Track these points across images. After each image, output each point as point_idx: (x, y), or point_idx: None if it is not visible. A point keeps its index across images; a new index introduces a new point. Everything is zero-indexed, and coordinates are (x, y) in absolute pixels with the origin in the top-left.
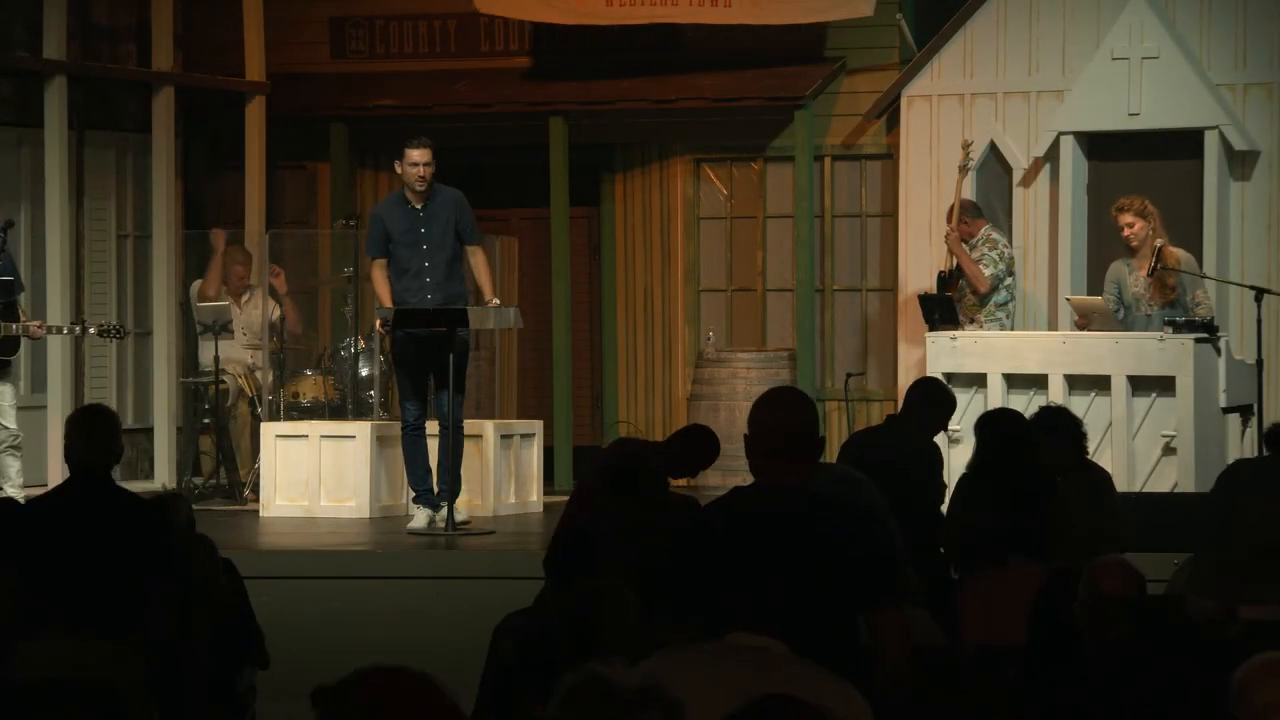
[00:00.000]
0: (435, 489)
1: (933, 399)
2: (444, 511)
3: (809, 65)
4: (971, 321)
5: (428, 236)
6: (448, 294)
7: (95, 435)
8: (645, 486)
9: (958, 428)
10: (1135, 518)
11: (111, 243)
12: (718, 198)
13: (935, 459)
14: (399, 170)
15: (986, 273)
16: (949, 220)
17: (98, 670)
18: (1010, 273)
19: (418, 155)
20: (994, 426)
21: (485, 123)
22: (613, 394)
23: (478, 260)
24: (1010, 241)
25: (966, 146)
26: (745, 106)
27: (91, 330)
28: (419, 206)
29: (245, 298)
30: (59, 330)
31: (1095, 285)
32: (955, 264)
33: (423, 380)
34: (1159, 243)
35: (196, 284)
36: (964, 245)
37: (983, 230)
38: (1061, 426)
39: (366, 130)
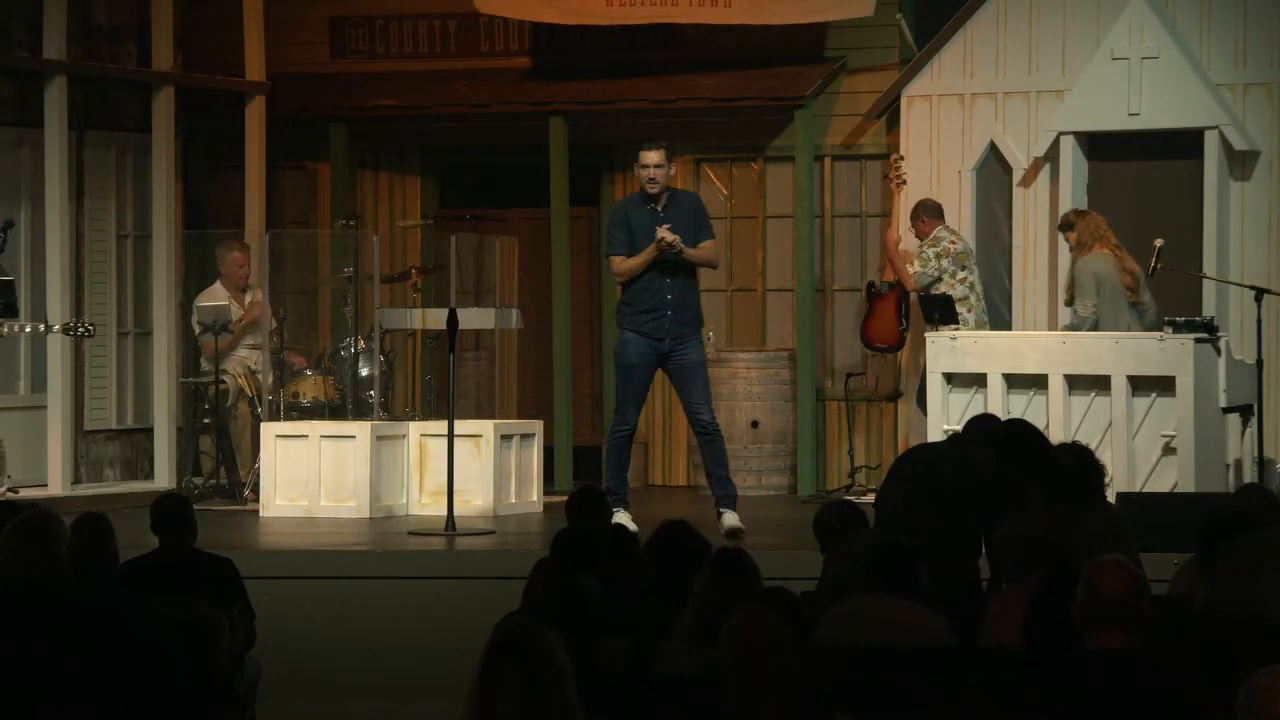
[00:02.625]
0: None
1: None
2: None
3: (809, 65)
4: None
5: None
6: (682, 302)
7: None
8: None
9: (957, 428)
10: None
11: (111, 243)
12: (718, 198)
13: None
14: (637, 173)
15: (912, 271)
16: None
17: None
18: (964, 266)
19: (646, 157)
20: (1009, 436)
21: (485, 123)
22: (612, 394)
23: (708, 246)
24: (1002, 238)
25: (896, 162)
26: (745, 106)
27: (55, 328)
28: (659, 209)
29: (248, 299)
30: (23, 329)
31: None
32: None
33: (648, 385)
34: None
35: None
36: (898, 249)
37: (934, 231)
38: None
39: (366, 130)
